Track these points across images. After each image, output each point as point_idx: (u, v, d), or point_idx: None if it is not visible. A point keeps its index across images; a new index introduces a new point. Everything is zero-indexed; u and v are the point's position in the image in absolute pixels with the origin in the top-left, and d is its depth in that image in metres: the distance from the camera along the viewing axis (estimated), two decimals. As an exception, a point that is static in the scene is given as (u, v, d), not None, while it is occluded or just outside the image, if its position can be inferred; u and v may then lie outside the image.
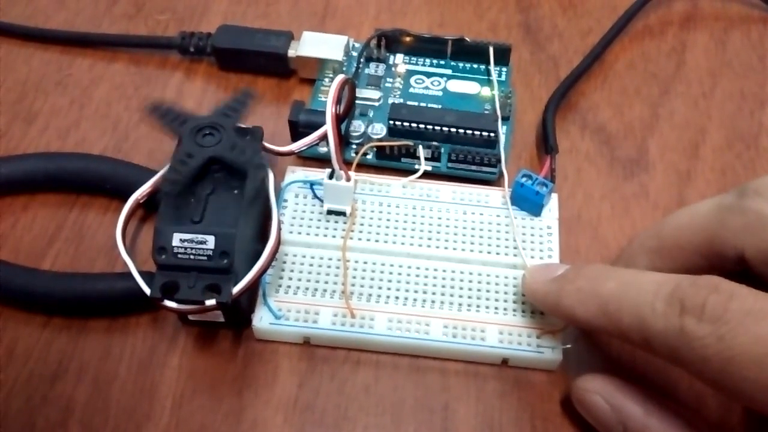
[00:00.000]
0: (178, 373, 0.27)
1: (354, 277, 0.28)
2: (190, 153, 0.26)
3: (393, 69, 0.35)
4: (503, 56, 0.35)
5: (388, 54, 0.36)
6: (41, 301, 0.28)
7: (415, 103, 0.34)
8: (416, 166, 0.31)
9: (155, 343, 0.28)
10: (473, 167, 0.31)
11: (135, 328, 0.28)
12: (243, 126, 0.27)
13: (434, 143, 0.32)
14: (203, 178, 0.26)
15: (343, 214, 0.30)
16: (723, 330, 0.20)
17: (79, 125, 0.34)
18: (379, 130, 0.33)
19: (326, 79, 0.35)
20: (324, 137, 0.28)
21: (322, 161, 0.32)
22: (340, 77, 0.28)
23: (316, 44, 0.35)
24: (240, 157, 0.26)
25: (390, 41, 0.35)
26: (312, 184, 0.30)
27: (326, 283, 0.28)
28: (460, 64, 0.35)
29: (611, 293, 0.23)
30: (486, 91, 0.34)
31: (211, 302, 0.25)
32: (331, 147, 0.28)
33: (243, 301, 0.26)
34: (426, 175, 0.31)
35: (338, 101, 0.28)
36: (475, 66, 0.35)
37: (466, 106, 0.34)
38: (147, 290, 0.25)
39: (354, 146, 0.33)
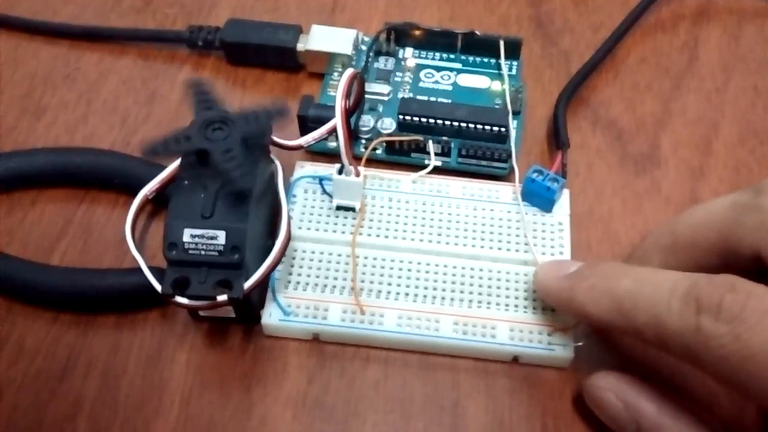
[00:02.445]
0: (187, 369, 0.27)
1: (363, 273, 0.28)
2: (189, 136, 0.26)
3: (402, 63, 0.35)
4: (514, 50, 0.35)
5: (397, 48, 0.35)
6: (50, 297, 0.28)
7: (425, 98, 0.34)
8: (426, 162, 0.31)
9: (164, 339, 0.28)
10: (484, 162, 0.31)
11: (144, 323, 0.28)
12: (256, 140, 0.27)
13: (444, 138, 0.32)
14: (206, 170, 0.26)
15: (352, 209, 0.29)
16: (740, 329, 0.19)
17: (87, 120, 0.34)
18: (388, 124, 0.33)
19: (335, 74, 0.35)
20: (333, 131, 0.28)
21: (332, 156, 0.31)
22: (350, 71, 0.28)
23: (325, 38, 0.35)
24: (225, 164, 0.25)
25: (399, 35, 0.35)
26: (321, 180, 0.30)
27: (335, 279, 0.28)
28: (471, 58, 0.35)
29: (626, 291, 0.23)
30: (496, 86, 0.34)
31: (222, 298, 0.24)
32: (341, 142, 0.28)
33: (254, 296, 0.26)
34: (436, 170, 0.31)
35: (347, 96, 0.28)
36: (486, 60, 0.35)
37: (476, 101, 0.33)
38: (158, 286, 0.25)
39: (363, 141, 0.32)
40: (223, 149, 0.25)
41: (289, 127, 0.31)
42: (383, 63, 0.35)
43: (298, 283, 0.28)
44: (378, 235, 0.29)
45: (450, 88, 0.34)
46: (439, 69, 0.35)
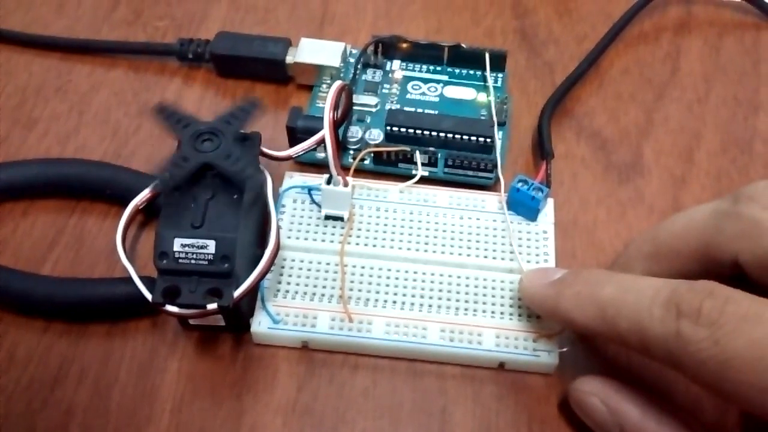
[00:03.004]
0: (178, 377, 0.27)
1: (352, 282, 0.28)
2: (186, 157, 0.26)
3: (390, 75, 0.36)
4: (499, 62, 0.35)
5: (385, 60, 0.36)
6: (41, 306, 0.28)
7: (412, 109, 0.34)
8: (413, 172, 0.31)
9: (155, 348, 0.28)
10: (470, 172, 0.32)
11: (135, 332, 0.28)
12: (242, 131, 0.28)
13: (431, 149, 0.32)
14: (199, 182, 0.26)
15: (340, 219, 0.30)
16: (719, 334, 0.20)
17: (78, 131, 0.34)
18: (376, 135, 0.33)
19: (324, 86, 0.35)
20: (321, 142, 0.28)
21: (320, 167, 0.32)
22: (338, 83, 0.28)
23: (313, 51, 0.35)
24: (232, 167, 0.26)
25: (387, 48, 0.36)
26: (310, 190, 0.31)
27: (324, 287, 0.28)
28: (457, 70, 0.36)
29: (609, 298, 0.23)
30: (482, 97, 0.35)
31: (212, 306, 0.25)
32: (329, 152, 0.28)
33: (243, 305, 0.27)
34: (423, 180, 0.31)
35: (336, 107, 0.28)
36: (472, 72, 0.36)
37: (462, 112, 0.34)
38: (149, 295, 0.25)
39: (351, 152, 0.33)
40: (223, 156, 0.26)
41: (278, 138, 0.31)
42: (371, 75, 0.35)
43: (287, 291, 0.28)
44: (366, 244, 0.29)
45: (437, 99, 0.35)
46: (425, 81, 0.35)
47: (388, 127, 0.32)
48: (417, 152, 0.32)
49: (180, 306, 0.25)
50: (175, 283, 0.25)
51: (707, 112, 0.36)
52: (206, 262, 0.25)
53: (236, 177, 0.26)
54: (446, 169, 0.32)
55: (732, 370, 0.20)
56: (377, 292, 0.28)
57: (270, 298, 0.28)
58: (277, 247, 0.26)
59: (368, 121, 0.34)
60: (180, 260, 0.25)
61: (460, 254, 0.29)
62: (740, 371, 0.19)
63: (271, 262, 0.26)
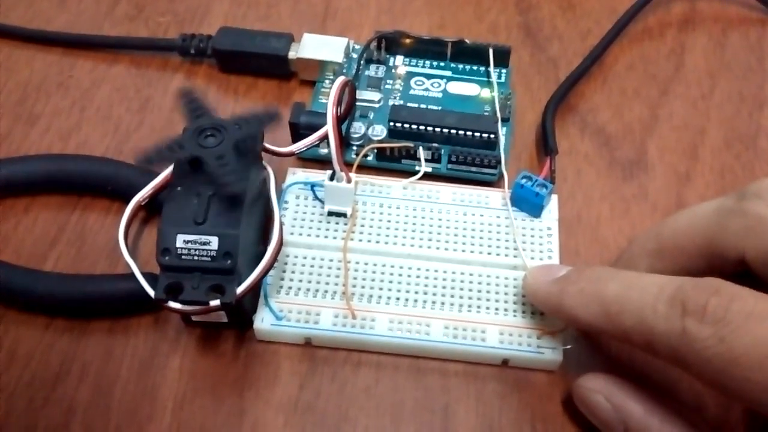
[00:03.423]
0: (180, 375, 0.27)
1: (355, 278, 0.28)
2: (182, 145, 0.26)
3: (393, 71, 0.35)
4: (503, 58, 0.35)
5: (388, 56, 0.36)
6: (43, 303, 0.28)
7: (415, 105, 0.34)
8: (416, 168, 0.31)
9: (157, 345, 0.28)
10: (473, 169, 0.32)
11: (137, 329, 0.28)
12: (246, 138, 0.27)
13: (434, 145, 0.32)
14: (199, 176, 0.26)
15: (343, 215, 0.30)
16: (724, 331, 0.20)
17: (80, 127, 0.34)
18: (379, 131, 0.33)
19: (327, 81, 0.35)
20: (324, 138, 0.28)
21: (323, 163, 0.32)
22: (341, 79, 0.28)
23: (316, 46, 0.35)
24: (217, 169, 0.25)
25: (390, 43, 0.36)
26: (313, 186, 0.31)
27: (327, 284, 0.28)
28: (460, 66, 0.36)
29: (614, 295, 0.23)
30: (486, 93, 0.34)
31: (215, 303, 0.25)
32: (332, 148, 0.28)
33: (246, 301, 0.26)
34: (426, 176, 0.31)
35: (339, 103, 0.28)
36: (475, 68, 0.35)
37: (466, 108, 0.34)
38: (151, 292, 0.25)
39: (354, 148, 0.33)
40: (215, 155, 0.26)
41: (281, 134, 0.31)
42: (374, 71, 0.35)
43: (290, 288, 0.28)
44: (369, 241, 0.29)
45: (440, 95, 0.34)
46: (429, 77, 0.35)
47: (392, 123, 0.32)
48: (420, 148, 0.31)
49: (182, 302, 0.25)
50: (178, 279, 0.25)
51: (712, 109, 0.36)
52: (209, 259, 0.25)
53: (218, 179, 0.25)
54: (450, 166, 0.32)
55: (737, 368, 0.20)
56: (380, 289, 0.28)
57: (273, 295, 0.28)
58: (280, 244, 0.26)
59: (371, 116, 0.34)
60: (183, 256, 0.25)
61: (463, 251, 0.29)
62: (746, 369, 0.19)
63: (274, 258, 0.26)
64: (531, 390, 0.27)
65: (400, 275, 0.29)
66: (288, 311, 0.28)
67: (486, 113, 0.34)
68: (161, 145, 0.26)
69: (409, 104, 0.34)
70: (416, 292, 0.28)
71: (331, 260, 0.29)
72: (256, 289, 0.26)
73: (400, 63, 0.36)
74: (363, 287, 0.28)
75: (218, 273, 0.25)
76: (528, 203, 0.30)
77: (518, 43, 0.38)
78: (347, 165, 0.30)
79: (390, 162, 0.32)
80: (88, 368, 0.27)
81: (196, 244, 0.25)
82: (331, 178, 0.29)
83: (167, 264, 0.25)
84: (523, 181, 0.30)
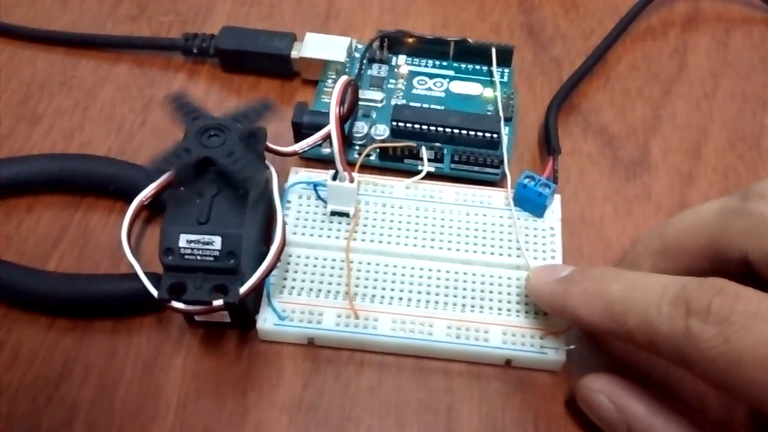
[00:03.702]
0: (183, 374, 0.27)
1: (357, 278, 0.28)
2: (188, 149, 0.26)
3: (396, 70, 0.35)
4: (506, 57, 0.35)
5: (390, 55, 0.36)
6: (46, 303, 0.28)
7: (418, 105, 0.34)
8: (419, 168, 0.31)
9: (160, 344, 0.28)
10: (476, 168, 0.32)
11: (140, 329, 0.28)
12: (248, 129, 0.27)
13: (437, 144, 0.32)
14: (204, 178, 0.26)
15: (346, 215, 0.30)
16: (729, 331, 0.20)
17: (83, 127, 0.34)
18: (382, 131, 0.33)
19: (329, 81, 0.35)
20: (327, 137, 0.28)
21: (326, 162, 0.32)
22: (344, 78, 0.28)
23: (319, 46, 0.35)
24: (233, 165, 0.25)
25: (393, 42, 0.35)
26: (315, 186, 0.30)
27: (330, 284, 0.28)
28: (463, 66, 0.36)
29: (617, 295, 0.23)
30: (488, 93, 0.34)
31: (218, 303, 0.25)
32: (335, 148, 0.28)
33: (249, 301, 0.26)
34: (429, 176, 0.31)
35: (341, 102, 0.28)
36: (478, 67, 0.35)
37: (468, 108, 0.34)
38: (154, 292, 0.25)
39: (357, 147, 0.33)
40: (225, 153, 0.26)
41: (284, 133, 0.31)
42: (376, 70, 0.35)
43: (293, 288, 0.28)
44: (372, 240, 0.29)
45: (443, 95, 0.34)
46: (431, 76, 0.35)
47: (394, 123, 0.32)
48: (423, 148, 0.31)
49: (185, 302, 0.25)
50: (181, 279, 0.25)
51: (715, 108, 0.36)
52: (212, 259, 0.25)
53: (235, 176, 0.25)
54: (452, 165, 0.32)
55: (742, 368, 0.20)
56: (383, 289, 0.28)
57: (276, 295, 0.28)
58: (283, 243, 0.26)
59: (374, 116, 0.34)
60: (186, 256, 0.25)
61: (466, 251, 0.29)
62: (750, 369, 0.19)
63: (277, 258, 0.26)
64: (534, 390, 0.27)
65: (403, 275, 0.28)
66: (291, 311, 0.28)
67: (489, 113, 0.34)
68: (168, 153, 0.26)
69: (411, 104, 0.34)
70: (419, 292, 0.28)
71: (334, 260, 0.29)
72: (259, 288, 0.26)
73: (402, 62, 0.36)
74: (366, 287, 0.28)
75: (221, 273, 0.25)
76: (531, 203, 0.30)
77: (521, 42, 0.38)
78: (350, 164, 0.30)
79: (393, 162, 0.32)
80: (91, 368, 0.27)
81: (199, 243, 0.25)
82: (334, 178, 0.29)
83: (170, 264, 0.25)
84: (526, 180, 0.30)
